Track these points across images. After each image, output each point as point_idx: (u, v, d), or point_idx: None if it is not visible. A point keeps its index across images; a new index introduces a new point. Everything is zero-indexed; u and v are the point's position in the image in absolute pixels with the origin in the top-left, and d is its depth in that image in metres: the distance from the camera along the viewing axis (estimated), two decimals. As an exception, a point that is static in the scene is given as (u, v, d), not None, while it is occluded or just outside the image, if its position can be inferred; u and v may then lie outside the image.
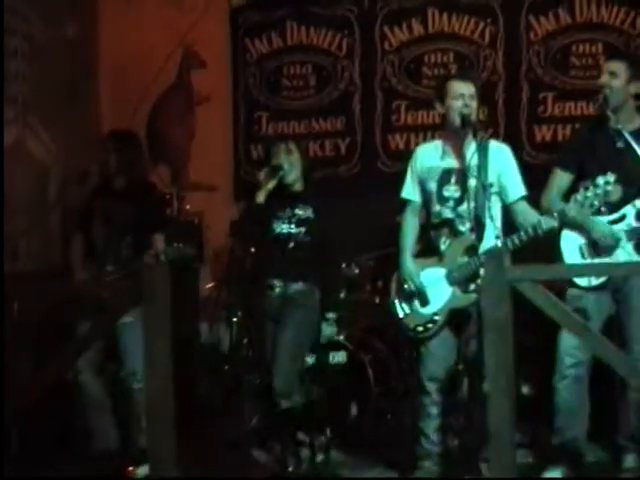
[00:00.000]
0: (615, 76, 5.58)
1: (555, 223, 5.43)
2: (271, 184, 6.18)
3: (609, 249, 5.55)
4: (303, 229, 6.16)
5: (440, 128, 6.04)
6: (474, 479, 5.45)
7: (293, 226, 6.16)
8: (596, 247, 5.58)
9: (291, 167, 6.23)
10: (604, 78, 5.60)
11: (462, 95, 5.66)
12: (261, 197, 6.18)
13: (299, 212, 6.17)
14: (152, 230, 6.33)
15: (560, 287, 5.49)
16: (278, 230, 6.18)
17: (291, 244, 6.14)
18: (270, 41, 8.66)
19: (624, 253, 5.52)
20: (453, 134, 5.77)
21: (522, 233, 5.47)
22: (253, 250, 6.80)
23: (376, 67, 8.43)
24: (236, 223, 6.51)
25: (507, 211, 5.73)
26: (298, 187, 6.31)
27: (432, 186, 5.79)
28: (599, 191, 5.21)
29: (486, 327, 4.78)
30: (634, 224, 5.52)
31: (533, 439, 6.26)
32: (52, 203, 7.80)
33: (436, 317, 5.71)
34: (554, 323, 4.99)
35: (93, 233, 6.33)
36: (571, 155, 5.83)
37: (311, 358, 6.55)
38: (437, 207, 5.78)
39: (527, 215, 5.61)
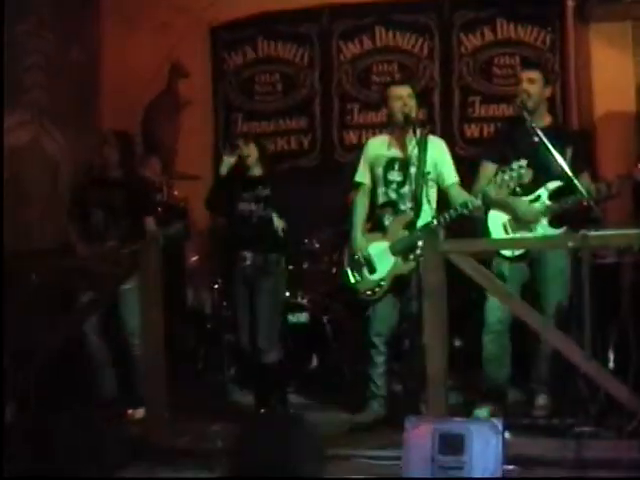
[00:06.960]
0: (533, 82, 5.56)
1: (480, 202, 5.47)
2: (232, 158, 6.13)
3: (528, 224, 5.55)
4: (262, 205, 6.07)
5: (387, 126, 6.01)
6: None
7: (253, 204, 6.09)
8: (517, 223, 5.58)
9: (247, 149, 6.16)
10: (524, 84, 5.57)
11: (401, 97, 5.65)
12: (224, 169, 6.15)
13: (258, 192, 6.09)
14: (144, 214, 6.30)
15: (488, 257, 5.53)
16: (242, 208, 6.11)
17: (254, 219, 6.07)
18: (244, 54, 8.60)
19: (541, 228, 5.52)
20: (397, 130, 5.76)
21: (452, 211, 5.52)
22: (223, 221, 6.67)
23: (333, 75, 8.40)
24: (207, 197, 6.40)
25: (443, 194, 5.73)
26: (257, 172, 6.21)
27: (379, 171, 5.78)
28: (514, 174, 5.23)
29: (424, 291, 4.81)
30: (547, 203, 5.52)
31: (464, 383, 6.28)
32: (62, 191, 7.72)
33: (382, 283, 5.71)
34: (481, 287, 5.04)
35: (92, 217, 6.25)
36: (494, 148, 5.81)
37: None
38: (383, 189, 5.78)
39: (459, 197, 5.61)
